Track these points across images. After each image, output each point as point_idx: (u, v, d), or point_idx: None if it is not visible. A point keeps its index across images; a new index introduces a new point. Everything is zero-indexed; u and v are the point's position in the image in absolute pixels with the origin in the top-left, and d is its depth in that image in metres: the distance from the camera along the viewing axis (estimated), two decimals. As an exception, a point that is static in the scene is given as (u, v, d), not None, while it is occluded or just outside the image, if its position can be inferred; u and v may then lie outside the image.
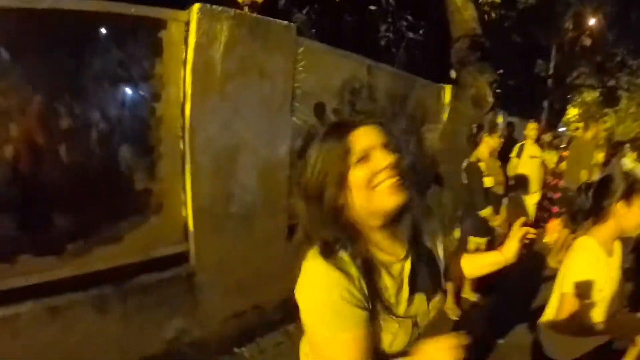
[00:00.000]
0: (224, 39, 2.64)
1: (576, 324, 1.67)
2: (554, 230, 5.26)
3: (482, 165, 3.72)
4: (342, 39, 4.98)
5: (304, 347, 1.32)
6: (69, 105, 2.33)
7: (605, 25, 20.50)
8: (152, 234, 2.69)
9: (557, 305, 1.77)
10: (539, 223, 5.69)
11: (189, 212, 2.81)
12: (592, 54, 21.90)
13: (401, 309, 1.02)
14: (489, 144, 3.79)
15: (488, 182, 3.71)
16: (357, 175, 0.94)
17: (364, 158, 0.95)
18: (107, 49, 2.38)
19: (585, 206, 1.82)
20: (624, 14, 21.35)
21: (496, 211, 3.84)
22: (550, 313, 1.84)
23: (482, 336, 3.28)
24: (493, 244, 3.84)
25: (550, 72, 17.98)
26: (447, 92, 6.55)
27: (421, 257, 1.09)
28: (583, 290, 1.68)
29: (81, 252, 2.38)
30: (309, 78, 3.56)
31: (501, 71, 8.89)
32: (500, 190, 3.91)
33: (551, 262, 4.91)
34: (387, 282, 1.01)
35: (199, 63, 2.57)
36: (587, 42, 20.98)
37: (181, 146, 2.73)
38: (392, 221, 1.02)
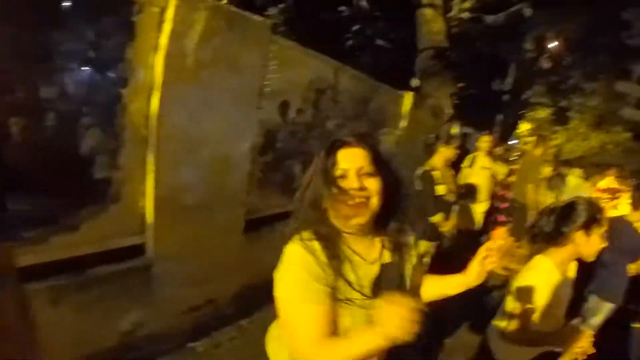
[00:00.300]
0: (200, 29, 2.73)
1: (527, 338, 1.84)
2: (499, 237, 5.68)
3: (436, 173, 3.99)
4: (312, 39, 5.15)
5: (273, 331, 1.50)
6: (28, 83, 2.33)
7: (564, 49, 22.46)
8: (110, 223, 2.71)
9: (510, 318, 1.92)
10: (485, 231, 6.08)
11: (148, 203, 2.86)
12: (548, 75, 24.25)
13: (359, 304, 1.24)
14: (444, 154, 4.07)
15: (441, 190, 3.98)
16: (332, 191, 1.22)
17: (343, 176, 1.23)
18: (77, 27, 2.40)
19: (546, 229, 1.95)
20: (584, 40, 23.48)
21: (446, 217, 4.12)
22: (502, 324, 2.00)
23: (428, 336, 3.51)
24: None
25: (507, 88, 19.15)
26: (407, 99, 6.92)
27: (393, 264, 1.35)
28: (537, 307, 1.82)
29: (37, 241, 2.39)
30: (277, 76, 3.73)
31: (462, 84, 9.44)
32: (451, 197, 4.19)
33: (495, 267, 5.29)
34: (350, 277, 1.24)
35: (173, 51, 2.64)
36: (546, 63, 23.07)
37: (145, 134, 2.77)
38: (371, 229, 1.31)
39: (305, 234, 1.24)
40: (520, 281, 1.94)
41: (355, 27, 9.91)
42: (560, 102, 25.06)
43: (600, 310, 3.47)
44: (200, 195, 3.13)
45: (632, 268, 3.43)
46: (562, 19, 20.73)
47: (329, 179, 1.23)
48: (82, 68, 2.44)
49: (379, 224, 1.33)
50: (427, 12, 7.86)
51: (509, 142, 19.03)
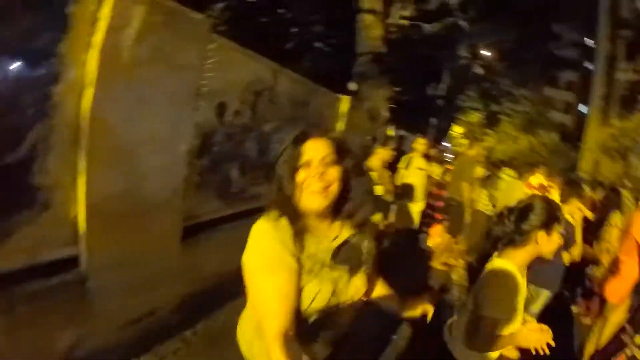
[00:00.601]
0: (137, 25, 2.74)
1: (492, 344, 1.93)
2: (437, 235, 6.04)
3: (373, 174, 4.21)
4: (251, 40, 5.24)
5: (242, 325, 1.60)
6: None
7: (496, 58, 24.79)
8: (39, 234, 2.60)
9: (472, 325, 2.02)
10: (422, 228, 6.56)
11: (80, 211, 2.78)
12: (481, 81, 27.05)
13: (321, 276, 1.45)
14: (381, 156, 4.32)
15: (379, 190, 4.21)
16: (295, 177, 1.44)
17: (306, 164, 1.44)
18: (4, 18, 2.31)
19: (507, 231, 2.04)
20: (515, 50, 26.26)
21: (385, 216, 4.35)
22: (462, 329, 2.11)
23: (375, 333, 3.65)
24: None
25: (441, 93, 20.32)
26: (344, 102, 7.26)
27: (351, 242, 1.57)
28: (503, 313, 1.93)
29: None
30: (215, 76, 3.79)
31: (398, 89, 9.92)
32: (389, 197, 4.42)
33: (435, 263, 5.64)
34: (312, 251, 1.45)
35: (108, 47, 2.62)
36: (479, 70, 25.65)
37: (77, 136, 2.70)
38: (333, 210, 1.52)
39: (273, 213, 1.44)
40: (485, 288, 2.02)
41: (295, 30, 10.17)
42: (491, 107, 28.32)
43: (539, 298, 3.79)
44: (135, 201, 3.10)
45: (566, 256, 3.87)
46: (495, 30, 22.74)
47: (293, 167, 1.44)
48: (10, 63, 2.35)
49: (341, 206, 1.54)
50: (367, 17, 8.28)
51: (443, 144, 20.48)
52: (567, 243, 3.79)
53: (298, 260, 1.39)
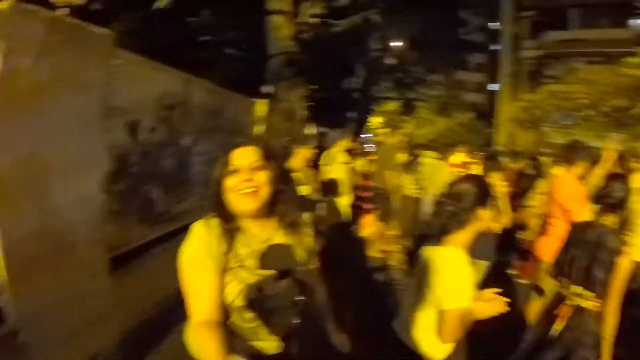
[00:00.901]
0: (37, 44, 2.61)
1: (459, 332, 2.00)
2: (369, 224, 6.29)
3: (297, 175, 4.30)
4: (160, 51, 5.15)
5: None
6: None
7: (408, 47, 26.41)
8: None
9: (436, 319, 2.03)
10: (354, 221, 6.69)
11: (-1, 258, 2.60)
12: (394, 71, 28.98)
13: (248, 274, 1.62)
14: (302, 155, 4.41)
15: (305, 190, 4.31)
16: (226, 182, 1.63)
17: (235, 171, 1.62)
18: None
19: (449, 216, 2.12)
20: (425, 38, 28.16)
21: (314, 215, 4.47)
22: (426, 324, 2.13)
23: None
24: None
25: (357, 86, 21.03)
26: (260, 106, 7.43)
27: (282, 244, 1.71)
28: (465, 301, 1.97)
29: None
30: (124, 93, 3.71)
31: (314, 87, 10.14)
32: (316, 196, 4.54)
33: (371, 252, 5.86)
34: (242, 251, 1.64)
35: (6, 70, 2.45)
36: (391, 60, 27.30)
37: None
38: (266, 212, 1.70)
39: (208, 215, 1.64)
40: (440, 279, 2.05)
41: (205, 38, 10.14)
42: (407, 95, 30.68)
43: (478, 270, 4.04)
44: (54, 238, 2.94)
45: (495, 226, 4.05)
46: (404, 20, 24.07)
47: (224, 173, 1.63)
48: None
49: (273, 208, 1.72)
50: (277, 18, 8.46)
51: (364, 136, 21.31)
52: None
53: (223, 259, 1.59)
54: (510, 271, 5.94)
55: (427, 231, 2.33)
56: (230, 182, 1.61)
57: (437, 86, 31.25)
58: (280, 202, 1.72)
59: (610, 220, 2.95)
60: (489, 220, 2.15)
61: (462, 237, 2.11)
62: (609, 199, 2.99)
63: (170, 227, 4.58)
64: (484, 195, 2.13)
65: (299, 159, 4.41)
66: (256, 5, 8.49)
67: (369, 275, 5.09)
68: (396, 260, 5.37)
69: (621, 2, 24.68)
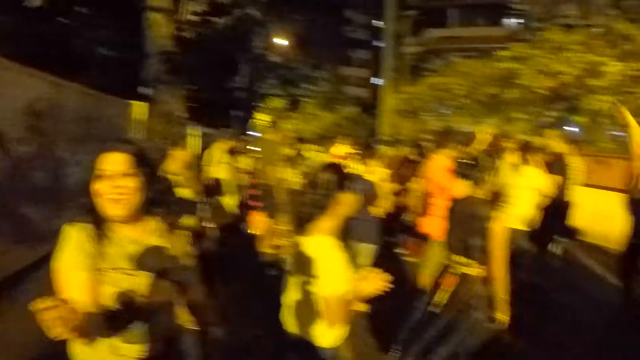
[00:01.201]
0: None
1: (344, 315, 2.09)
2: (257, 221, 6.48)
3: (177, 178, 4.25)
4: (28, 54, 4.89)
5: None
6: None
7: (293, 44, 27.38)
8: None
9: (320, 306, 2.09)
10: (243, 219, 6.99)
11: None
12: (279, 68, 30.00)
13: (119, 275, 1.69)
14: (179, 158, 4.42)
15: (186, 193, 4.32)
16: (95, 187, 1.68)
17: (104, 176, 1.68)
18: None
19: (311, 204, 2.19)
20: (310, 36, 29.48)
21: (198, 218, 4.48)
22: (310, 312, 2.18)
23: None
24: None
25: (242, 85, 21.20)
26: (137, 109, 7.31)
27: (156, 247, 1.80)
28: (342, 286, 2.04)
29: None
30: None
31: (195, 87, 10.05)
32: (199, 198, 4.60)
33: (263, 248, 6.04)
34: (112, 252, 1.70)
35: None
36: (276, 58, 28.11)
37: None
38: (139, 216, 1.76)
39: (79, 219, 1.70)
40: (319, 268, 2.10)
41: (78, 38, 9.60)
42: (292, 91, 31.84)
43: (362, 253, 4.34)
44: None
45: (376, 210, 4.61)
46: (289, 18, 24.83)
47: (93, 178, 1.67)
48: None
49: (145, 212, 1.78)
50: (154, 16, 8.18)
51: (250, 134, 21.67)
52: (371, 199, 4.48)
53: (95, 260, 1.65)
54: (398, 250, 6.48)
55: (295, 222, 2.37)
56: (98, 187, 1.65)
57: (322, 82, 32.78)
58: (156, 205, 1.80)
59: (481, 193, 3.22)
60: (351, 204, 2.25)
61: (328, 223, 2.17)
62: (479, 174, 3.25)
63: (49, 245, 4.29)
64: (342, 180, 2.21)
65: (177, 161, 4.36)
66: (133, 2, 8.23)
67: (261, 271, 5.26)
68: (288, 254, 5.57)
69: (496, 3, 28.05)
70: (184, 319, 1.92)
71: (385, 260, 4.33)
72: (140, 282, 1.68)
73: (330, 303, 2.05)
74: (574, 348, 4.15)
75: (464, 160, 3.46)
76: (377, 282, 1.99)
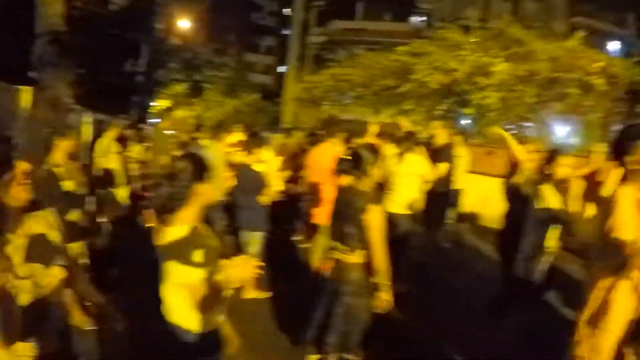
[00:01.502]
0: None
1: (221, 301, 2.24)
2: (150, 214, 6.68)
3: (59, 170, 4.16)
4: None
5: None
6: None
7: (196, 28, 27.20)
8: None
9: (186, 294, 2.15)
10: (137, 211, 6.93)
11: None
12: (181, 52, 29.46)
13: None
14: (64, 148, 4.27)
15: (70, 185, 4.23)
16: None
17: None
18: None
19: (168, 196, 2.17)
20: (212, 19, 30.61)
21: (82, 211, 4.41)
22: (178, 301, 2.22)
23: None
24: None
25: (141, 69, 20.78)
26: (25, 95, 7.05)
27: (40, 241, 2.01)
28: (205, 273, 2.12)
29: None
30: None
31: (85, 70, 9.75)
32: (83, 191, 4.53)
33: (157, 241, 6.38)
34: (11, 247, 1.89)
35: None
36: (177, 41, 27.61)
37: None
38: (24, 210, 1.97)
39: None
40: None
41: None
42: (194, 76, 31.61)
43: (254, 241, 4.81)
44: None
45: (263, 199, 4.93)
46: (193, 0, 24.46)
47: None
48: None
49: (31, 204, 1.99)
50: None
51: (150, 121, 21.20)
52: (257, 187, 4.87)
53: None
54: (293, 237, 6.95)
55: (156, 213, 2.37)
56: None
57: (225, 68, 32.84)
58: (37, 198, 1.95)
59: (363, 184, 3.37)
60: (210, 193, 2.28)
61: (187, 214, 2.16)
62: (359, 170, 3.38)
63: None
64: (200, 170, 2.19)
65: (60, 152, 4.19)
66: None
67: (155, 263, 5.52)
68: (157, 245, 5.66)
69: (404, 0, 30.16)
70: (80, 320, 2.04)
71: (280, 246, 4.81)
72: (36, 276, 1.78)
73: (195, 290, 2.09)
74: (462, 324, 4.57)
75: (344, 157, 3.67)
76: (247, 268, 2.04)
